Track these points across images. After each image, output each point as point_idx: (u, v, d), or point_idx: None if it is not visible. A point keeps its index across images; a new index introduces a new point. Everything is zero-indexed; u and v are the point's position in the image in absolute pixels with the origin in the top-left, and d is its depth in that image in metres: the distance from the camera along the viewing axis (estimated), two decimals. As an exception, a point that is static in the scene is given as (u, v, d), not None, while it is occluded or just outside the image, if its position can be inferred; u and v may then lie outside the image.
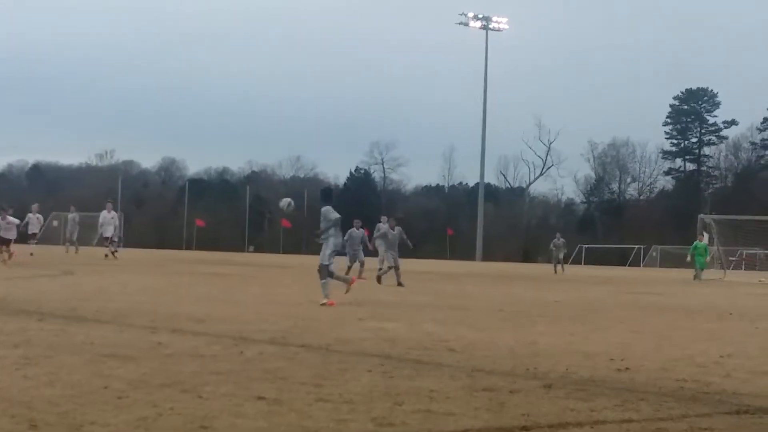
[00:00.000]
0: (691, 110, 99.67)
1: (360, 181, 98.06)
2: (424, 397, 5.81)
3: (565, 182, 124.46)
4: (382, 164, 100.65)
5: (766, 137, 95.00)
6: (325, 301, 13.54)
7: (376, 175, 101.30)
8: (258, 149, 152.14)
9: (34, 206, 34.45)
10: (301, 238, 72.27)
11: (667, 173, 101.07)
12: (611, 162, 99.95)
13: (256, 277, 24.45)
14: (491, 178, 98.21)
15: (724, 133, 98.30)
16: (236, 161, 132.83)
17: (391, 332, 9.93)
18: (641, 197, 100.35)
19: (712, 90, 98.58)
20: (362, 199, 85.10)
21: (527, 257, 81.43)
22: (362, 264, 24.27)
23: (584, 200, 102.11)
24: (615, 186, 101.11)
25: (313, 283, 14.44)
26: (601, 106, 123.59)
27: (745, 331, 12.16)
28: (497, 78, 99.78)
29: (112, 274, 21.77)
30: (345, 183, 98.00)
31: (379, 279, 21.75)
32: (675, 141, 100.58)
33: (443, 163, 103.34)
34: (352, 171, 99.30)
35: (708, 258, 37.93)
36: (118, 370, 6.52)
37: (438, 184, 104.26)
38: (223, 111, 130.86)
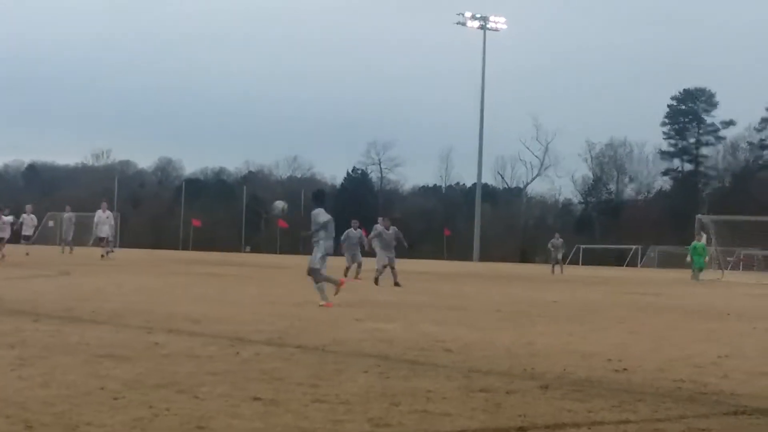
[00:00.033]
0: (689, 110, 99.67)
1: (357, 181, 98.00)
2: (420, 397, 5.80)
3: (562, 182, 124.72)
4: (380, 164, 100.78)
5: (764, 137, 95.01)
6: (323, 303, 13.55)
7: (374, 176, 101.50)
8: (257, 149, 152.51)
9: (28, 207, 34.47)
10: (298, 239, 72.25)
11: (664, 173, 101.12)
12: (609, 162, 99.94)
13: (253, 277, 24.42)
14: (488, 179, 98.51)
15: (722, 133, 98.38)
16: (233, 161, 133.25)
17: (387, 333, 9.93)
18: (639, 197, 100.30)
19: (710, 90, 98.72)
20: (359, 200, 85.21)
21: (524, 257, 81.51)
22: (360, 265, 24.24)
23: (582, 200, 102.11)
24: (612, 186, 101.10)
25: (309, 284, 14.43)
26: (599, 106, 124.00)
27: (743, 331, 12.16)
28: (495, 78, 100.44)
29: (108, 275, 21.73)
30: (342, 183, 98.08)
31: (376, 281, 21.74)
32: (673, 141, 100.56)
33: (440, 164, 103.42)
34: (349, 171, 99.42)
35: (707, 258, 37.95)
36: (113, 370, 6.51)
37: (435, 185, 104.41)
38: (222, 111, 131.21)
